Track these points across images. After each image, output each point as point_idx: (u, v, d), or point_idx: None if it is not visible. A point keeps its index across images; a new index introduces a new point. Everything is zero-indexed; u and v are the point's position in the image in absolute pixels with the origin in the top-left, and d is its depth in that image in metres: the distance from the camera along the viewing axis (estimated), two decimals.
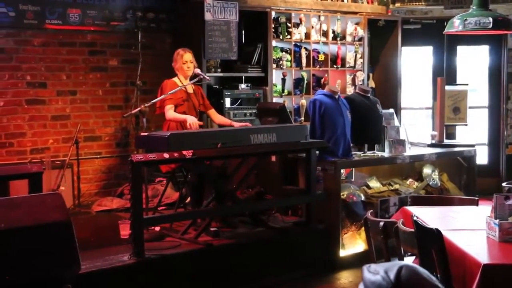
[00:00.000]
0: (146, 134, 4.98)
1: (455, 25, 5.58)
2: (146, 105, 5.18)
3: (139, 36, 6.82)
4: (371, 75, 8.64)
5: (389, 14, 8.55)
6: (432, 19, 8.73)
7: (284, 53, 7.58)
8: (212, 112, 5.92)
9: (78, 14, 6.58)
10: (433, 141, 6.76)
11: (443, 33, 6.03)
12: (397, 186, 6.16)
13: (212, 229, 5.05)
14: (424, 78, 8.99)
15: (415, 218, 3.37)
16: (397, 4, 8.64)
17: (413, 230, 3.32)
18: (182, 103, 5.65)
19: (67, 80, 6.63)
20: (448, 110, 7.06)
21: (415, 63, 9.08)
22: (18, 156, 6.32)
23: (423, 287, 1.37)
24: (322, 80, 7.98)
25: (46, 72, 6.48)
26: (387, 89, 8.54)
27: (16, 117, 6.33)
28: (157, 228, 5.09)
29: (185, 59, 5.69)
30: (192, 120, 5.42)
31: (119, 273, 4.29)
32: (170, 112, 5.56)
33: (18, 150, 6.33)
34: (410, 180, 6.35)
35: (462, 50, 8.89)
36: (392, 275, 1.38)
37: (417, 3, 8.59)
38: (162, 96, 5.48)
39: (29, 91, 6.39)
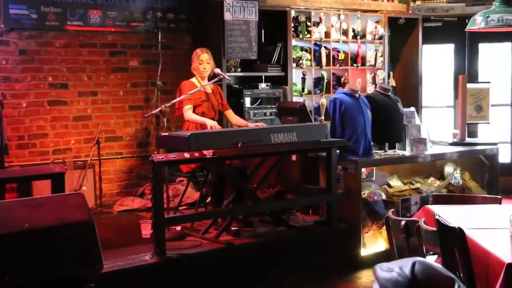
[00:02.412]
0: (166, 134, 4.99)
1: (477, 22, 5.52)
2: (166, 105, 5.19)
3: (159, 37, 6.85)
4: (391, 73, 8.59)
5: (410, 12, 8.50)
6: (453, 17, 8.64)
7: (304, 52, 7.56)
8: (230, 113, 5.91)
9: (99, 15, 6.63)
10: (455, 140, 6.70)
11: (465, 30, 5.97)
12: (418, 185, 6.12)
13: (232, 228, 5.06)
14: (446, 76, 8.91)
15: (437, 217, 3.34)
16: (418, 2, 8.58)
17: (435, 229, 3.30)
18: (201, 104, 5.65)
19: (88, 81, 6.68)
20: (470, 108, 6.99)
21: (436, 61, 9.01)
22: (41, 156, 6.39)
23: (437, 280, 1.38)
24: (342, 79, 7.95)
25: (67, 73, 6.54)
26: (408, 87, 8.49)
27: (39, 118, 6.39)
28: (178, 228, 5.11)
29: (201, 59, 5.67)
30: (212, 124, 5.42)
31: (141, 272, 4.31)
32: (188, 113, 5.56)
33: (40, 150, 6.40)
34: (432, 179, 6.31)
35: (484, 48, 8.79)
36: (407, 271, 1.38)
37: (438, 1, 8.52)
38: (181, 97, 5.49)
39: (51, 92, 6.46)
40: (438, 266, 1.41)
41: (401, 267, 1.41)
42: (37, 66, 6.36)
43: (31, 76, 6.33)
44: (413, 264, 1.40)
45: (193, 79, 5.73)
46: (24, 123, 6.31)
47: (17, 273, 3.09)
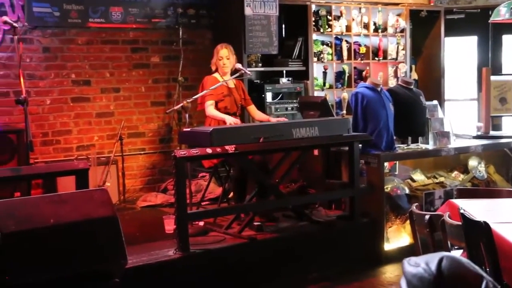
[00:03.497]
0: (188, 129, 5.01)
1: (501, 13, 5.46)
2: (188, 100, 5.21)
3: (180, 33, 6.87)
4: (413, 66, 8.53)
5: (432, 4, 8.42)
6: (476, 8, 8.55)
7: (325, 46, 7.53)
8: (252, 108, 5.91)
9: (120, 12, 6.67)
10: (479, 133, 6.63)
11: (489, 21, 5.90)
12: (442, 179, 6.07)
13: (255, 223, 5.06)
14: (469, 69, 8.82)
15: (462, 211, 3.31)
16: None
17: (460, 223, 3.26)
18: (223, 99, 5.66)
19: (110, 77, 6.73)
20: (494, 101, 6.91)
21: (459, 53, 8.92)
22: (65, 153, 6.45)
23: (465, 277, 1.36)
24: (364, 72, 7.91)
25: (90, 70, 6.59)
26: (431, 80, 8.42)
27: (62, 115, 6.45)
28: (201, 223, 5.13)
29: (221, 55, 5.67)
30: (231, 120, 5.43)
31: (165, 267, 4.34)
32: (210, 109, 5.57)
33: (64, 147, 6.46)
34: (456, 172, 6.25)
35: (508, 39, 8.68)
36: (433, 267, 1.37)
37: None
38: (203, 92, 5.49)
39: (74, 89, 6.51)
40: (467, 262, 1.39)
41: (428, 262, 1.39)
42: (60, 64, 6.42)
43: (55, 73, 6.39)
44: (440, 260, 1.38)
45: (216, 74, 5.73)
46: (48, 120, 6.37)
47: (42, 268, 3.12)
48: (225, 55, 5.67)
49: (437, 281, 1.36)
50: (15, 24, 4.91)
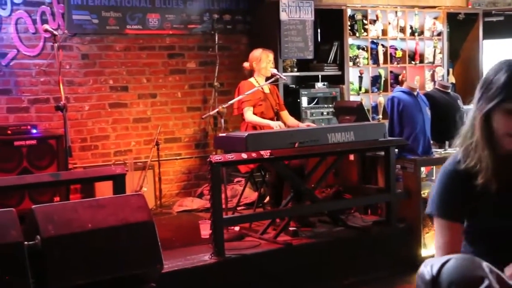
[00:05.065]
0: (224, 134, 5.03)
1: None
2: (224, 106, 5.24)
3: (216, 38, 6.91)
4: (451, 70, 8.42)
5: (470, 6, 8.32)
6: None
7: (360, 50, 7.50)
8: (285, 114, 5.89)
9: (157, 19, 6.75)
10: None
11: None
12: None
13: (291, 228, 5.05)
14: None
15: None
16: None
17: None
18: (260, 104, 5.66)
19: (147, 83, 6.81)
20: None
21: (497, 56, 8.78)
22: (103, 158, 6.54)
23: (464, 278, 1.35)
24: (400, 76, 7.84)
25: (127, 76, 6.68)
26: (468, 84, 8.30)
27: (100, 121, 6.55)
28: (237, 228, 5.14)
29: (270, 59, 5.71)
30: (277, 125, 5.43)
31: (201, 272, 4.36)
32: (249, 114, 5.57)
33: (102, 152, 6.55)
34: None
35: None
36: (435, 268, 1.40)
37: None
38: (239, 97, 5.52)
39: (112, 95, 6.61)
40: (473, 263, 1.38)
41: (433, 264, 1.42)
42: (99, 70, 6.52)
43: (93, 80, 6.50)
44: (445, 262, 1.40)
45: (251, 79, 5.75)
46: (87, 126, 6.47)
47: (80, 273, 3.17)
48: (272, 59, 5.71)
49: (433, 282, 1.38)
50: (55, 32, 5.02)
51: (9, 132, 5.64)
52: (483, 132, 1.81)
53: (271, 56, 5.72)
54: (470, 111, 1.94)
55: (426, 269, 1.42)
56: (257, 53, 5.75)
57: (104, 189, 5.43)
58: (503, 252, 1.68)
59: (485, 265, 1.39)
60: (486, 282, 1.33)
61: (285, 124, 5.95)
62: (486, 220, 1.72)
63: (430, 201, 1.97)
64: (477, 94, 1.90)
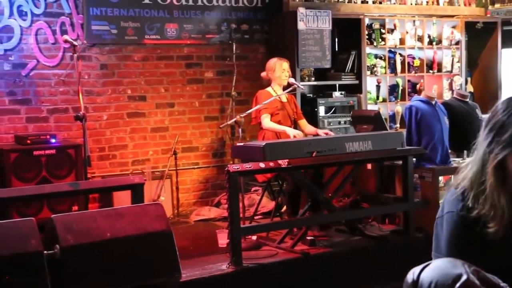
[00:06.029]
0: (241, 144, 5.05)
1: None
2: (241, 115, 5.25)
3: (234, 48, 6.94)
4: (469, 79, 8.37)
5: (488, 15, 8.28)
6: None
7: (378, 59, 7.49)
8: (303, 122, 5.90)
9: (175, 29, 6.79)
10: None
11: None
12: None
13: (308, 238, 5.04)
14: None
15: None
16: (497, 5, 8.34)
17: None
18: (278, 113, 5.68)
19: (165, 93, 6.85)
20: None
21: None
22: (121, 167, 6.57)
23: (440, 280, 1.37)
24: (418, 86, 7.81)
25: (145, 85, 6.72)
26: (487, 93, 8.25)
27: (119, 130, 6.59)
28: (254, 237, 5.15)
29: (284, 68, 5.73)
30: (294, 133, 5.44)
31: (218, 281, 4.36)
32: (266, 121, 5.59)
33: (120, 161, 6.59)
34: None
35: None
36: (416, 272, 1.42)
37: None
38: (257, 107, 5.53)
39: (130, 104, 6.65)
40: (450, 262, 1.39)
41: (415, 269, 1.45)
42: (117, 80, 6.57)
43: (111, 90, 6.55)
44: (425, 266, 1.43)
45: (269, 88, 5.77)
46: (105, 135, 6.52)
47: (98, 281, 3.20)
48: (287, 68, 5.73)
49: (414, 285, 1.40)
50: (74, 42, 5.08)
51: (28, 141, 5.70)
52: (497, 178, 1.72)
53: (285, 64, 5.73)
54: (476, 151, 1.86)
55: (409, 275, 1.45)
56: (271, 62, 5.78)
57: (122, 198, 5.46)
58: None
59: (464, 263, 1.39)
60: (464, 277, 1.34)
61: (303, 132, 5.96)
62: (492, 261, 1.66)
63: (436, 249, 1.90)
64: (486, 135, 1.78)
